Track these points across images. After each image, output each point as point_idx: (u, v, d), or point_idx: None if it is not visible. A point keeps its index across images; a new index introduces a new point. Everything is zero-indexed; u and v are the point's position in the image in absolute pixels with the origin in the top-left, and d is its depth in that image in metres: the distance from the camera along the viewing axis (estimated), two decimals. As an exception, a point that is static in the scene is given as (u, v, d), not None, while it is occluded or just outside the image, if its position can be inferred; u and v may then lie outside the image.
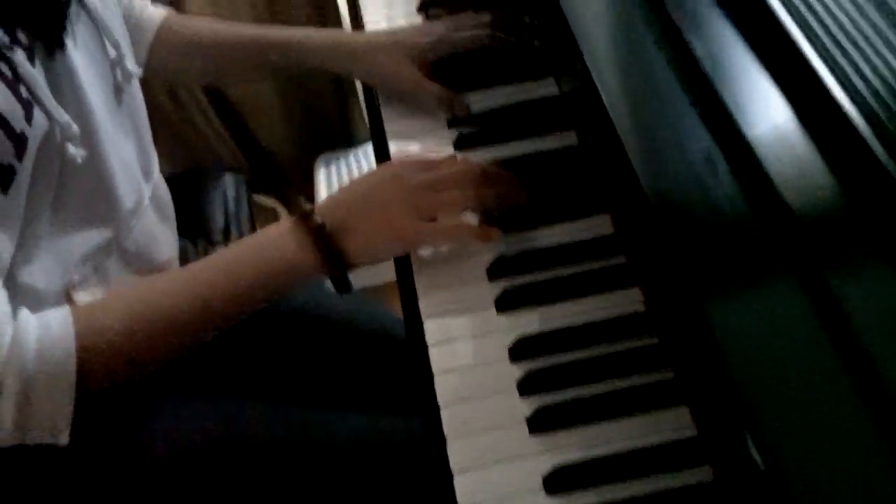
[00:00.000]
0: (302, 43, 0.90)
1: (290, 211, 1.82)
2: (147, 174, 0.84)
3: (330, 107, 1.80)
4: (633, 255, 0.72)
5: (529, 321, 0.70)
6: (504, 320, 0.70)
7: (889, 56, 0.53)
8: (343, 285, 0.73)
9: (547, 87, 0.88)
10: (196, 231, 1.10)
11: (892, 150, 0.49)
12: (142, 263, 0.82)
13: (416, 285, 0.73)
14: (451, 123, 0.86)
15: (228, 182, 1.21)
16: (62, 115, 0.66)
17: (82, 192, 0.72)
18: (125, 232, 0.79)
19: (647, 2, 0.68)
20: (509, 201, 0.74)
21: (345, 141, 1.85)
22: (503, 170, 0.76)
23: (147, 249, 0.82)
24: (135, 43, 0.87)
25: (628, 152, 0.61)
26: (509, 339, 0.69)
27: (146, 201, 0.83)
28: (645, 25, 0.67)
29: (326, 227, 0.70)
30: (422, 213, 0.71)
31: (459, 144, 0.83)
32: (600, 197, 0.76)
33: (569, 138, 0.82)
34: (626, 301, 0.70)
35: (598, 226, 0.75)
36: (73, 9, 0.70)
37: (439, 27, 0.89)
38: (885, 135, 0.50)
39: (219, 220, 1.15)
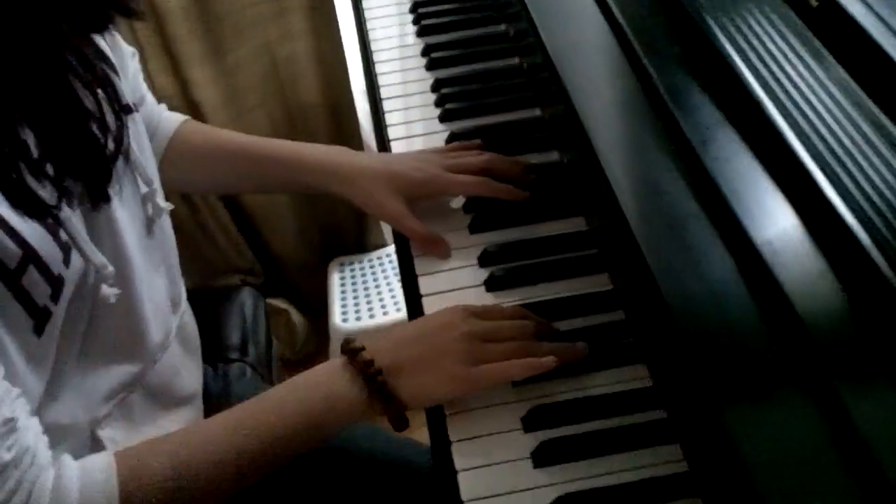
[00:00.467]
0: (301, 160, 0.91)
1: (302, 311, 1.81)
2: (175, 305, 0.84)
3: (343, 212, 1.82)
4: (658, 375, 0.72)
5: (571, 475, 0.69)
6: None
7: (884, 171, 0.57)
8: (400, 423, 0.72)
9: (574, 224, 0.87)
10: (213, 348, 1.09)
11: (892, 262, 0.52)
12: (166, 397, 0.81)
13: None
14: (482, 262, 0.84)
15: (246, 297, 1.21)
16: (99, 258, 0.66)
17: (112, 331, 0.72)
18: (151, 366, 0.79)
19: (661, 122, 0.70)
20: (563, 358, 0.73)
21: (358, 246, 1.86)
22: (552, 326, 0.76)
23: (171, 382, 0.82)
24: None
25: (659, 283, 0.61)
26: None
27: (173, 334, 0.83)
28: (661, 150, 0.69)
29: (376, 365, 0.70)
30: (473, 361, 0.71)
31: (491, 286, 0.83)
32: (637, 342, 0.76)
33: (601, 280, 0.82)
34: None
35: (637, 377, 0.75)
36: (120, 163, 0.71)
37: (435, 164, 0.89)
38: (885, 247, 0.53)
39: (235, 338, 1.14)
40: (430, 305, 0.81)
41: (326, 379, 0.71)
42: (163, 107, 0.97)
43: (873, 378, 0.50)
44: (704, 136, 0.66)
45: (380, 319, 1.69)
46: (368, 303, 1.73)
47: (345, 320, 1.70)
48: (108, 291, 0.68)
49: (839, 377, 0.50)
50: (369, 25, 1.19)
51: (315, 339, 1.84)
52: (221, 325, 1.15)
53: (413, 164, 0.89)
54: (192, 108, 1.54)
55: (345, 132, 1.74)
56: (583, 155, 0.76)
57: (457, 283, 0.83)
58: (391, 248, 1.86)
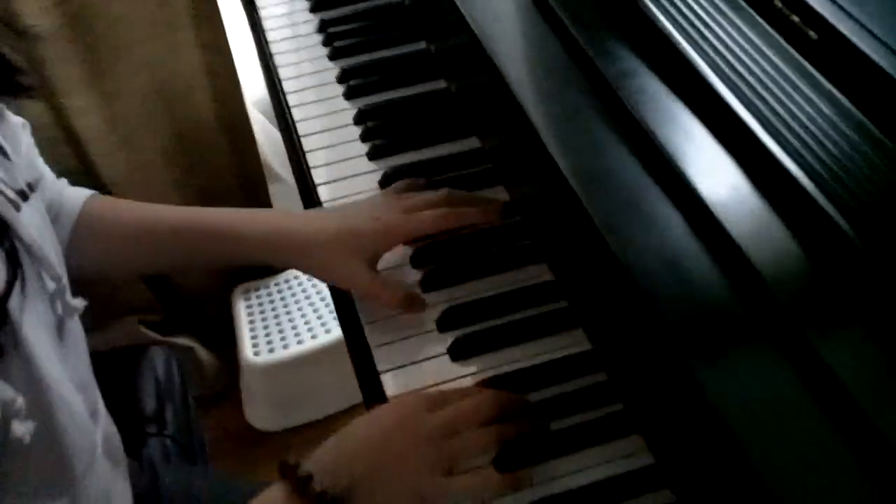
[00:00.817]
0: (239, 234, 0.78)
1: (209, 350, 1.68)
2: (94, 414, 0.72)
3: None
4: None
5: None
6: None
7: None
8: None
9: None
10: (127, 424, 0.97)
11: (844, 211, 0.51)
12: None
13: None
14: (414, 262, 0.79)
15: (155, 357, 1.09)
16: (5, 391, 0.54)
17: (29, 468, 0.60)
18: (80, 498, 0.66)
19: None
20: (532, 429, 0.66)
21: (262, 270, 1.74)
22: (517, 396, 0.68)
23: None
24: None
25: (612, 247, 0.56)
26: None
27: (99, 450, 0.71)
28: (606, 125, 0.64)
29: (329, 494, 0.60)
30: (442, 466, 0.62)
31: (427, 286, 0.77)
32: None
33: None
34: None
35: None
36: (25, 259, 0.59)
37: (392, 207, 0.78)
38: (828, 190, 0.52)
39: (150, 407, 1.02)
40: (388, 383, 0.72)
41: None
42: (63, 182, 0.84)
43: (834, 318, 0.49)
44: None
45: (295, 349, 1.58)
46: (280, 332, 1.62)
47: (257, 353, 1.58)
48: (22, 430, 0.56)
49: (801, 320, 0.49)
50: (271, 44, 1.07)
51: (226, 375, 1.71)
52: (133, 395, 1.03)
53: (368, 213, 0.77)
54: (70, 138, 1.39)
55: (240, 148, 1.62)
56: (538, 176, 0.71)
57: (417, 356, 0.73)
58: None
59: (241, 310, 1.67)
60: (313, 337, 1.60)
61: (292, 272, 1.74)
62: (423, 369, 0.71)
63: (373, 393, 0.71)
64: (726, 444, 0.47)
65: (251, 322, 1.64)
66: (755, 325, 0.51)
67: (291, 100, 0.98)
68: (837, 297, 0.50)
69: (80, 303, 0.68)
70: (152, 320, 1.62)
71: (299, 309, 1.66)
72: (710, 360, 0.50)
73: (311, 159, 0.91)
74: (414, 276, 0.79)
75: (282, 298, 1.68)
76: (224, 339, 1.73)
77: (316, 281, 1.69)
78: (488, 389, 0.67)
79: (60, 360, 0.65)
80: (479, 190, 0.85)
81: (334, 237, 0.75)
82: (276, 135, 1.73)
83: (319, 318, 1.63)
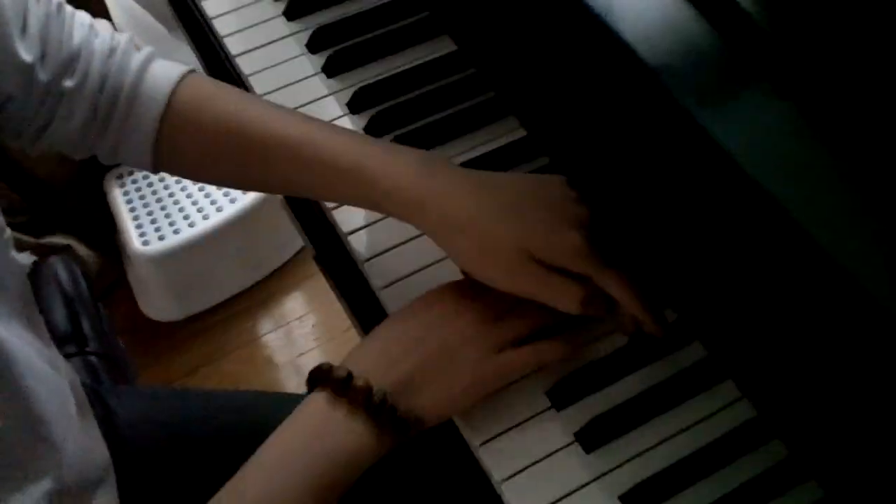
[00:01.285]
0: (386, 188, 0.57)
1: (88, 245, 1.53)
2: (54, 362, 0.61)
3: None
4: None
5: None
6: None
7: None
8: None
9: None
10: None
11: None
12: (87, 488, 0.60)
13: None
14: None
15: (56, 269, 0.97)
16: None
17: (7, 451, 0.50)
18: (63, 470, 0.57)
19: None
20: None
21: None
22: None
23: (86, 472, 0.60)
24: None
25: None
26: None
27: (73, 408, 0.60)
28: None
29: (377, 392, 0.53)
30: (493, 345, 0.56)
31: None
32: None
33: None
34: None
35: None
36: None
37: (576, 236, 0.56)
38: None
39: (64, 326, 0.91)
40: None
41: (319, 429, 0.54)
42: (143, 54, 0.63)
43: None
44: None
45: (187, 233, 1.46)
46: (168, 216, 1.49)
47: (146, 242, 1.46)
48: None
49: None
50: None
51: (111, 270, 1.58)
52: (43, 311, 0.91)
53: (550, 219, 0.57)
54: None
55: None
56: None
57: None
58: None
59: (119, 197, 1.52)
60: (205, 218, 1.48)
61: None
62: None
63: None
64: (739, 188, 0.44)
65: (132, 210, 1.50)
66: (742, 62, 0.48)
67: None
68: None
69: (26, 258, 0.57)
70: (20, 222, 1.46)
71: (183, 189, 1.52)
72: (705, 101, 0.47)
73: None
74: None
75: (161, 180, 1.54)
76: (101, 230, 1.59)
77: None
78: None
79: (13, 313, 0.54)
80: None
81: (504, 237, 0.56)
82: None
83: (208, 196, 1.51)
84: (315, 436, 0.53)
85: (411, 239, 0.65)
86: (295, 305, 1.61)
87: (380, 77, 0.73)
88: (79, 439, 0.60)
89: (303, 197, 0.70)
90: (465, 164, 0.68)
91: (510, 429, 0.57)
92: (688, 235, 0.55)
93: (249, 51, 0.76)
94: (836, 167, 0.45)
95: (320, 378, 0.55)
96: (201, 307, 1.57)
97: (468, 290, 0.58)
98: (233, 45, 0.77)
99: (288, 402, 0.83)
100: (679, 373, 0.59)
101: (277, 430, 0.54)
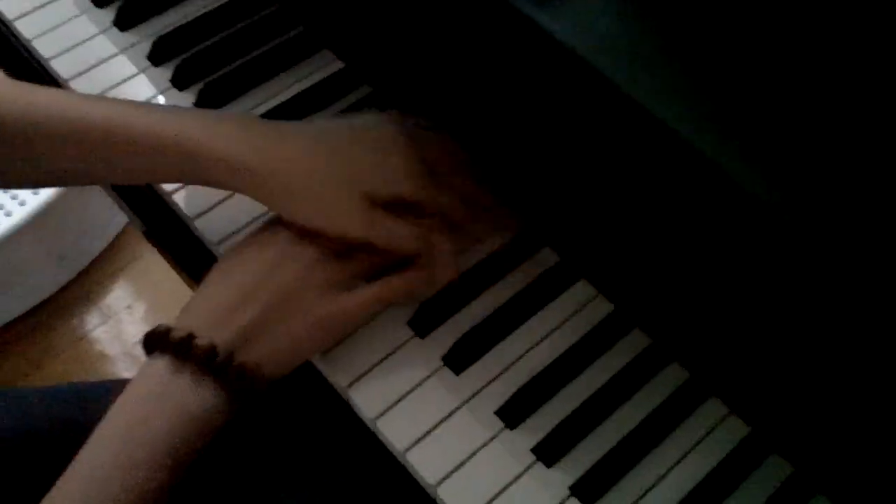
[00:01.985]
0: (212, 158, 0.52)
1: None
2: None
3: None
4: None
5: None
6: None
7: None
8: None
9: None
10: None
11: None
12: None
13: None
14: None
15: None
16: None
17: None
18: None
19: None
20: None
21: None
22: None
23: None
24: None
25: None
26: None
27: None
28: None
29: (221, 350, 0.50)
30: (337, 285, 0.53)
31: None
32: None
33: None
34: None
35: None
36: None
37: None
38: None
39: None
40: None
41: (164, 396, 0.49)
42: None
43: None
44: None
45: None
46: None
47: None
48: None
49: None
50: None
51: None
52: None
53: (374, 156, 0.56)
54: None
55: None
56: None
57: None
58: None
59: None
60: (7, 215, 1.37)
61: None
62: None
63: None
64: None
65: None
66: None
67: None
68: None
69: None
70: None
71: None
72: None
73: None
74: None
75: None
76: None
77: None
78: None
79: None
80: None
81: (336, 179, 0.54)
82: None
83: (6, 191, 1.39)
84: (159, 403, 0.49)
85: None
86: (121, 294, 1.52)
87: (177, 24, 0.68)
88: None
89: (118, 184, 0.65)
90: (284, 105, 0.65)
91: (375, 365, 0.55)
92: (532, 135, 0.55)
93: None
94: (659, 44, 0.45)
95: (158, 341, 0.51)
96: (17, 312, 1.46)
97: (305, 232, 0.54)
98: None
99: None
100: (536, 280, 0.58)
101: (115, 403, 0.50)
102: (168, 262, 0.67)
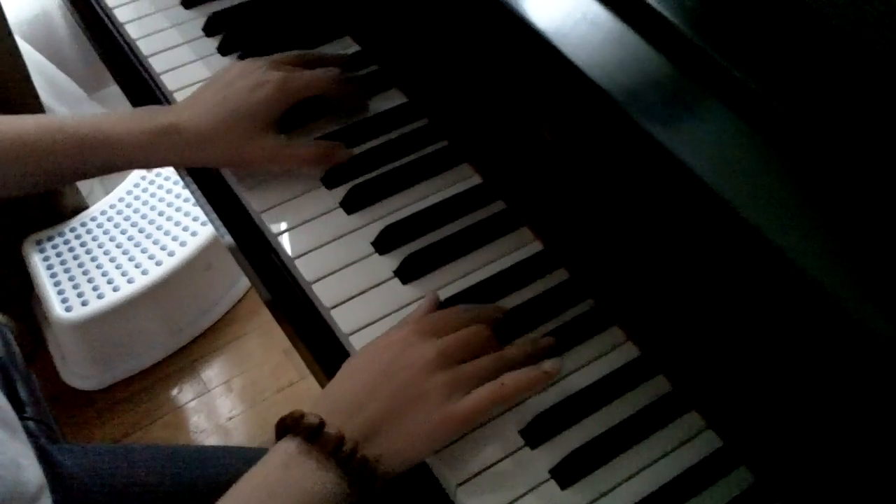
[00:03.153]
0: (114, 139, 0.69)
1: (11, 315, 1.48)
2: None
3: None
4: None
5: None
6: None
7: None
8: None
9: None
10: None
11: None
12: None
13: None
14: (330, 182, 0.72)
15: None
16: None
17: None
18: None
19: None
20: (539, 352, 0.61)
21: (52, 216, 1.55)
22: (502, 310, 0.63)
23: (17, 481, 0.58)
24: None
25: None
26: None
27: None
28: None
29: (348, 441, 0.53)
30: (454, 389, 0.56)
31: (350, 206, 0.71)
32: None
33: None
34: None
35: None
36: None
37: (267, 70, 0.71)
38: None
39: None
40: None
41: (288, 477, 0.53)
42: None
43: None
44: None
45: (111, 298, 1.43)
46: (90, 281, 1.45)
47: (68, 308, 1.42)
48: None
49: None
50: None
51: (28, 337, 1.53)
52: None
53: (245, 83, 0.71)
54: None
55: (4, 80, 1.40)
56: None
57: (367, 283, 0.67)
58: (94, 209, 1.57)
59: (38, 262, 1.48)
60: (129, 281, 1.45)
61: (89, 214, 1.56)
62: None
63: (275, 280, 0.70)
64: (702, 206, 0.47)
65: (53, 275, 1.46)
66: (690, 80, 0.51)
67: None
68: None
69: None
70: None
71: (106, 253, 1.49)
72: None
73: (144, 47, 0.81)
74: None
75: (82, 244, 1.51)
76: (16, 296, 1.55)
77: (119, 220, 1.53)
78: (477, 312, 0.62)
79: None
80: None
81: (227, 119, 0.69)
82: (41, 59, 1.52)
83: (132, 259, 1.48)
84: (283, 484, 0.53)
85: (375, 286, 0.65)
86: (221, 370, 1.58)
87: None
88: (8, 451, 0.58)
89: (57, 183, 0.78)
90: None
91: (487, 468, 0.58)
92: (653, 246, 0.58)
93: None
94: (784, 171, 0.48)
95: (291, 425, 0.54)
96: (125, 374, 1.53)
97: (426, 331, 0.59)
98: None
99: (236, 454, 0.82)
100: (648, 406, 0.61)
101: (243, 478, 0.54)
102: (286, 332, 0.71)
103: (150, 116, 0.70)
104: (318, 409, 0.55)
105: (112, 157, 0.69)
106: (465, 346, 0.58)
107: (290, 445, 0.54)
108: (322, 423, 0.53)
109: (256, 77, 0.71)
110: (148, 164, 0.72)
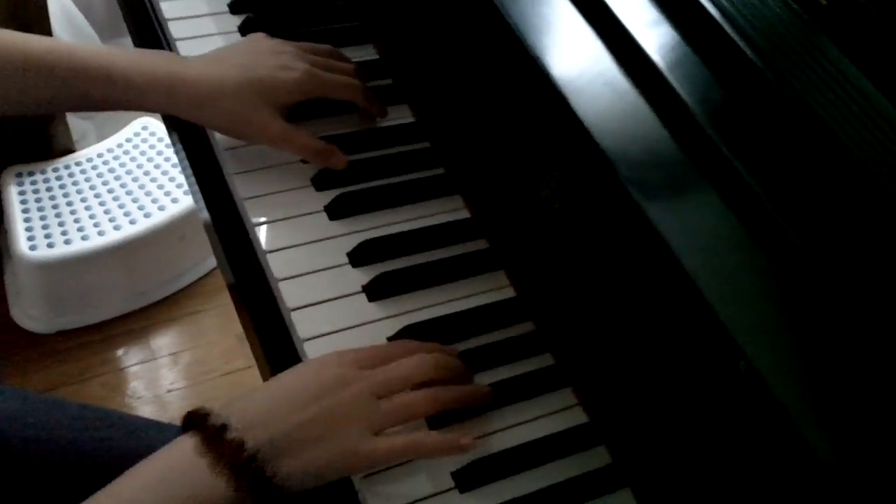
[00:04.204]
0: (127, 76, 0.68)
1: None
2: None
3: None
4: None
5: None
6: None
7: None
8: None
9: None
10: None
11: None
12: None
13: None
14: (319, 184, 0.71)
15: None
16: None
17: None
18: None
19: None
20: (472, 401, 0.60)
21: (40, 151, 1.53)
22: (456, 360, 0.62)
23: None
24: None
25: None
26: None
27: None
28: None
29: (248, 449, 0.52)
30: (376, 425, 0.56)
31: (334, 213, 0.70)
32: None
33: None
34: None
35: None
36: None
37: (297, 57, 0.72)
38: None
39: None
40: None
41: (179, 474, 0.52)
42: None
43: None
44: None
45: (78, 246, 1.41)
46: (61, 224, 1.44)
47: (33, 247, 1.40)
48: None
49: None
50: None
51: (-13, 268, 1.51)
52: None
53: (274, 61, 0.70)
54: None
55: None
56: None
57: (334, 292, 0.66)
58: (82, 154, 1.55)
59: (13, 194, 1.46)
60: (100, 233, 1.44)
61: (74, 157, 1.54)
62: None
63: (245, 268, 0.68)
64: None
65: (25, 210, 1.45)
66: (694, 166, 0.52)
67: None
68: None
69: None
70: None
71: (83, 200, 1.48)
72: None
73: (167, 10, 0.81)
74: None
75: (62, 187, 1.49)
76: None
77: (104, 171, 1.52)
78: (427, 351, 0.61)
79: None
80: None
81: (245, 86, 0.69)
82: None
83: (107, 212, 1.46)
84: (173, 479, 0.52)
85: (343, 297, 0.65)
86: (172, 340, 1.56)
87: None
88: None
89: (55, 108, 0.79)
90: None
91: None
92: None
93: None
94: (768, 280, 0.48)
95: (195, 422, 0.54)
96: (75, 324, 1.51)
97: (364, 361, 0.58)
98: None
99: (162, 431, 0.81)
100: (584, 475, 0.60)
101: (140, 463, 0.53)
102: (242, 319, 0.70)
103: (164, 62, 0.70)
104: (233, 410, 0.54)
105: (112, 93, 0.68)
106: (392, 382, 0.57)
107: (190, 442, 0.53)
108: (224, 427, 0.53)
109: (287, 59, 0.71)
110: (144, 107, 0.70)
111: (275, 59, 0.71)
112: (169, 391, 1.49)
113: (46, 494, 0.72)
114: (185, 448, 0.53)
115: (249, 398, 0.56)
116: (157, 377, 1.51)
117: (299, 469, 0.53)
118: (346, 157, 0.72)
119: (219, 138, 0.73)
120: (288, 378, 0.57)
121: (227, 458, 0.52)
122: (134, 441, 0.79)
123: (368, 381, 0.57)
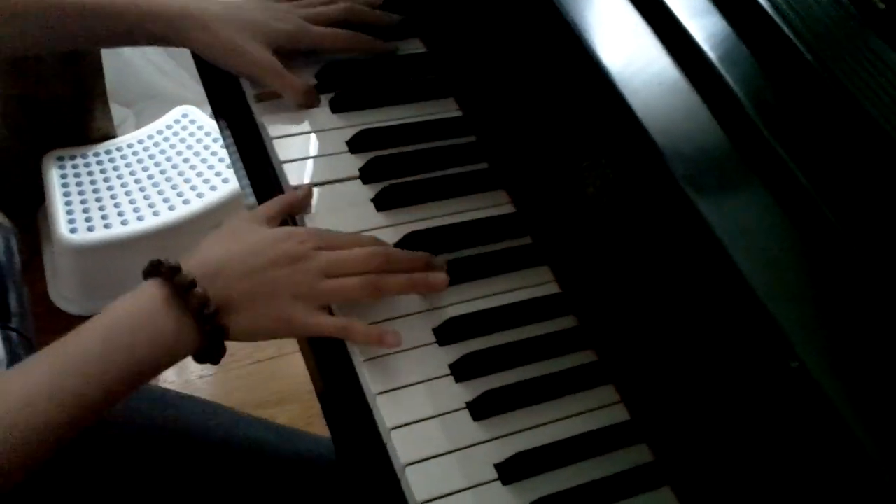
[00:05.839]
0: (138, 8, 0.75)
1: (16, 223, 1.48)
2: None
3: (60, 88, 1.49)
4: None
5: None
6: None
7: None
8: (212, 357, 0.61)
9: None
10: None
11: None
12: None
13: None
14: (367, 177, 0.72)
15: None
16: None
17: None
18: None
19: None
20: (422, 287, 0.65)
21: (79, 136, 1.55)
22: (415, 253, 0.66)
23: None
24: None
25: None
26: None
27: None
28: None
29: (212, 304, 0.58)
30: (313, 303, 0.62)
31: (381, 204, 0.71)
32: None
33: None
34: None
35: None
36: None
37: (291, 13, 0.78)
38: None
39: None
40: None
41: (150, 319, 0.58)
42: None
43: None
44: None
45: (118, 230, 1.43)
46: (101, 209, 1.45)
47: (73, 230, 1.42)
48: None
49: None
50: None
51: (26, 248, 1.52)
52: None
53: (270, 13, 0.78)
54: None
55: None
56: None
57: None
58: (122, 140, 1.57)
59: (55, 178, 1.48)
60: (139, 219, 1.45)
61: (115, 143, 1.56)
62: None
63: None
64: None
65: (66, 194, 1.46)
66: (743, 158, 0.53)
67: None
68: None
69: None
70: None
71: (123, 185, 1.49)
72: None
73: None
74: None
75: (102, 171, 1.51)
76: (25, 207, 1.55)
77: (144, 157, 1.54)
78: (386, 245, 0.66)
79: None
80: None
81: (237, 20, 0.76)
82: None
83: (147, 198, 1.48)
84: (144, 323, 0.57)
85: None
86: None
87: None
88: None
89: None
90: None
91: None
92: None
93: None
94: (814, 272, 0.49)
95: (164, 274, 0.59)
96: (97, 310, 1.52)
97: (321, 242, 0.63)
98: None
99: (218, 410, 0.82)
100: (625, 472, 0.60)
101: (107, 308, 0.59)
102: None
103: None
104: (196, 265, 0.60)
105: (138, 29, 0.75)
106: (343, 265, 0.62)
107: (159, 292, 0.58)
108: (193, 283, 0.58)
109: (280, 13, 0.78)
110: (160, 40, 0.76)
111: (268, 12, 0.78)
112: (200, 377, 1.51)
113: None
114: (153, 297, 0.58)
115: (209, 251, 0.62)
116: (186, 363, 1.52)
117: (242, 325, 0.60)
118: (320, 98, 0.76)
119: (269, 127, 0.74)
120: (248, 240, 0.63)
121: (194, 310, 0.58)
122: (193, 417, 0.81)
123: (318, 261, 0.62)
